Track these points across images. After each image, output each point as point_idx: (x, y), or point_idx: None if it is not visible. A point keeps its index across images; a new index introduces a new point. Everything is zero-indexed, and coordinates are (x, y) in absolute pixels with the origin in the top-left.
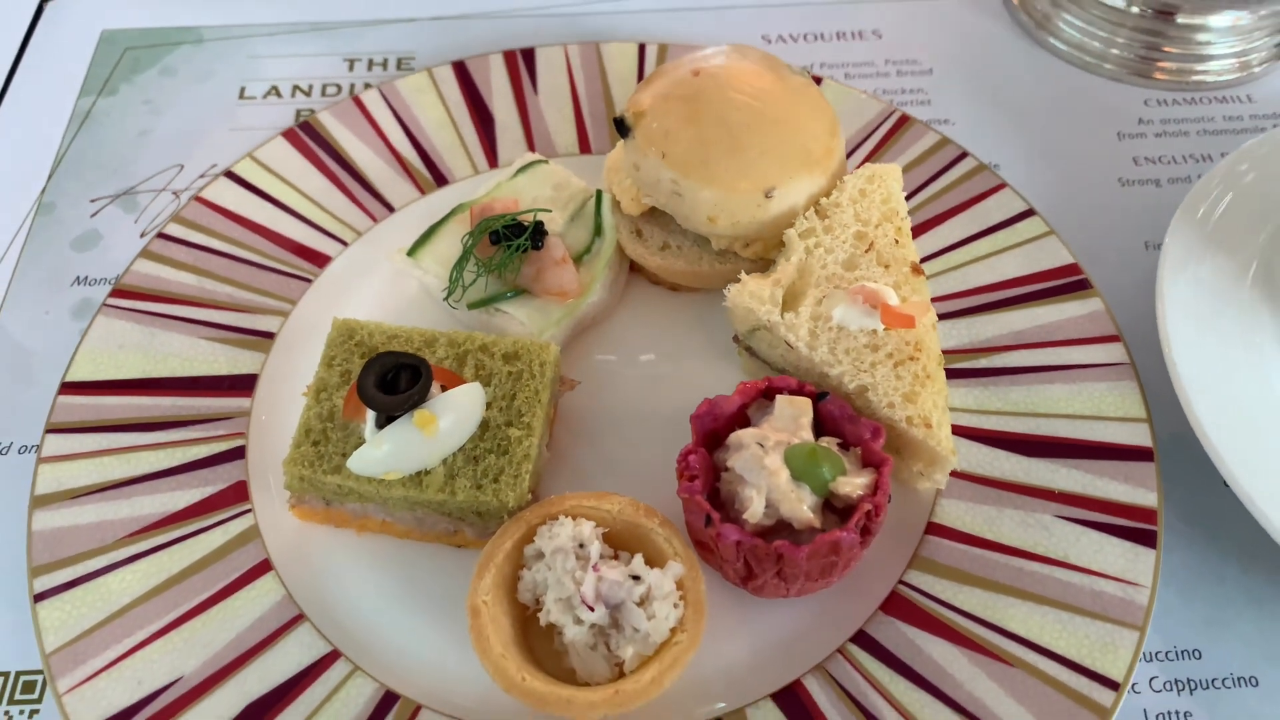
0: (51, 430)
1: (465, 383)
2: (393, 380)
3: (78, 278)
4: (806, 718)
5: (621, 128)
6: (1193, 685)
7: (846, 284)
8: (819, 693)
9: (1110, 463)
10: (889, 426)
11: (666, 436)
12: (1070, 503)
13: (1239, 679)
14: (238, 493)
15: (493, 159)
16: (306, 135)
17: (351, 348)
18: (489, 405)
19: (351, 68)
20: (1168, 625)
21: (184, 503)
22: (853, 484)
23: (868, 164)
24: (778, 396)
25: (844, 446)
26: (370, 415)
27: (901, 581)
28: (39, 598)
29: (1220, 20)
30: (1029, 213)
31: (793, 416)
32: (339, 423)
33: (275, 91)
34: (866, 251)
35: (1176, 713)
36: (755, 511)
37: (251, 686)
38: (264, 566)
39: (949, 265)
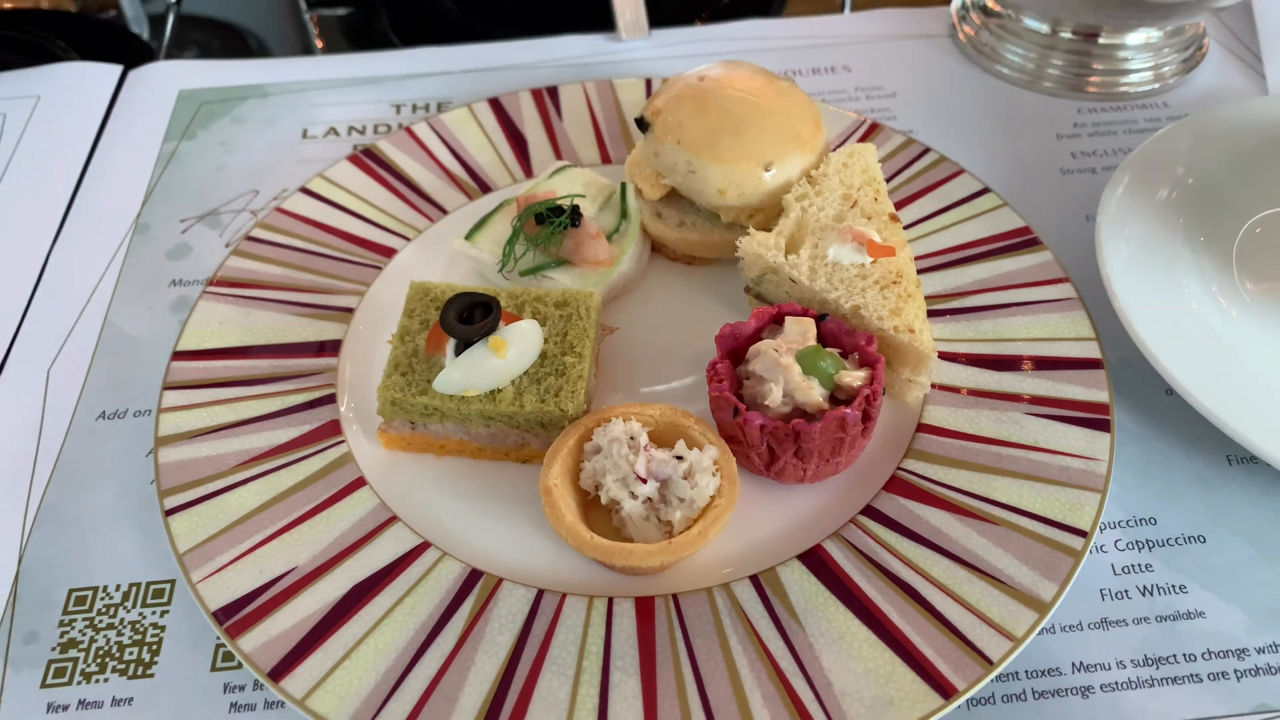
0: (168, 388)
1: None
2: (468, 317)
3: (174, 280)
4: (828, 573)
5: (642, 124)
6: (1150, 544)
7: (838, 231)
8: (837, 553)
9: (1068, 371)
10: (879, 336)
11: (692, 371)
12: (1037, 403)
13: (1189, 538)
14: (331, 429)
15: (528, 171)
16: (368, 158)
17: (428, 302)
18: (546, 340)
19: (398, 111)
20: (1127, 501)
21: (285, 438)
22: (853, 376)
23: (848, 144)
24: (787, 318)
25: (844, 355)
26: (450, 347)
27: (900, 468)
28: (169, 513)
29: (1136, 38)
30: (984, 190)
31: (800, 332)
32: (422, 358)
33: (334, 131)
34: (852, 208)
35: (1138, 565)
36: (775, 398)
37: (356, 572)
38: (359, 483)
39: (922, 233)
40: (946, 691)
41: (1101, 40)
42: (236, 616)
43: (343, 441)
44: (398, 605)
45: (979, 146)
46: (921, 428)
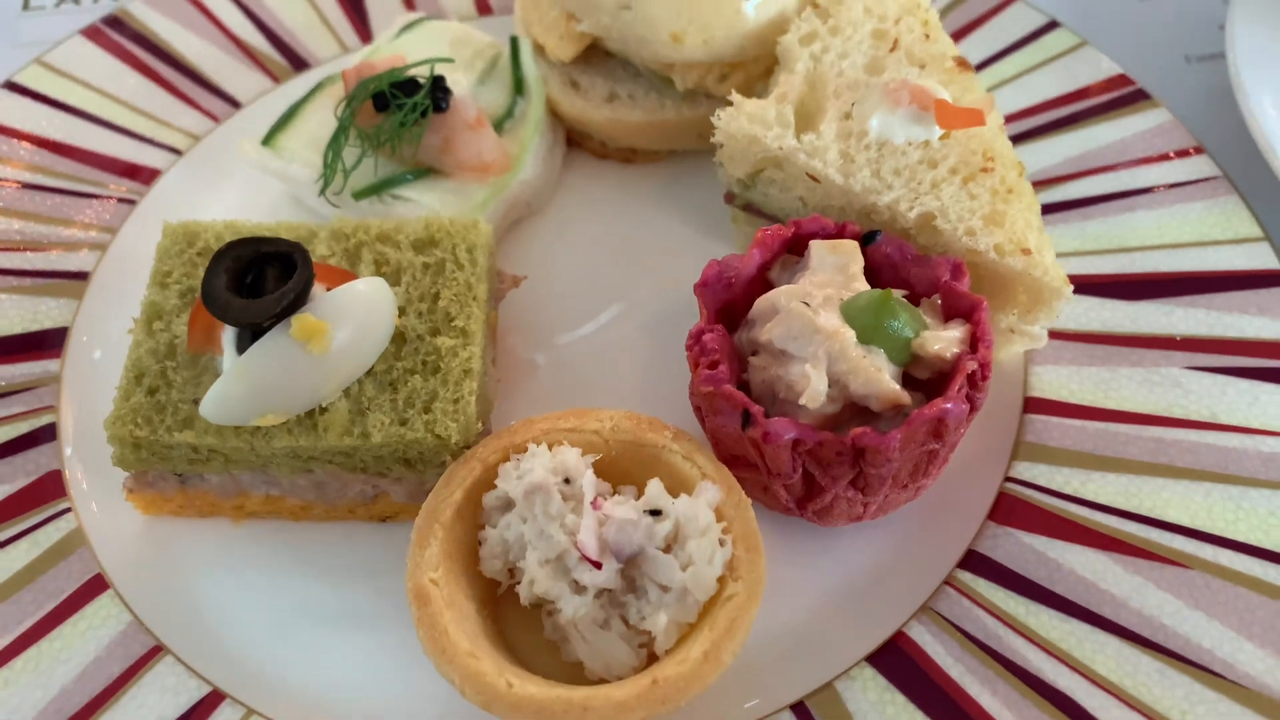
0: None
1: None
2: (255, 282)
3: None
4: (920, 677)
5: None
6: None
7: (881, 90)
8: (931, 642)
9: (1235, 294)
10: (971, 262)
11: (651, 340)
12: (1199, 349)
13: None
14: (48, 488)
15: (365, 35)
16: (115, 31)
17: (193, 258)
18: (402, 311)
19: None
20: None
21: None
22: (943, 339)
23: None
24: (812, 243)
25: (914, 300)
26: (228, 338)
27: (1008, 479)
28: None
29: None
30: (1053, 24)
31: (838, 265)
32: (184, 359)
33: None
34: (891, 50)
35: None
36: (816, 392)
37: None
38: (96, 584)
39: None
40: None
41: None
42: None
43: (67, 510)
44: None
45: None
46: (1030, 405)
